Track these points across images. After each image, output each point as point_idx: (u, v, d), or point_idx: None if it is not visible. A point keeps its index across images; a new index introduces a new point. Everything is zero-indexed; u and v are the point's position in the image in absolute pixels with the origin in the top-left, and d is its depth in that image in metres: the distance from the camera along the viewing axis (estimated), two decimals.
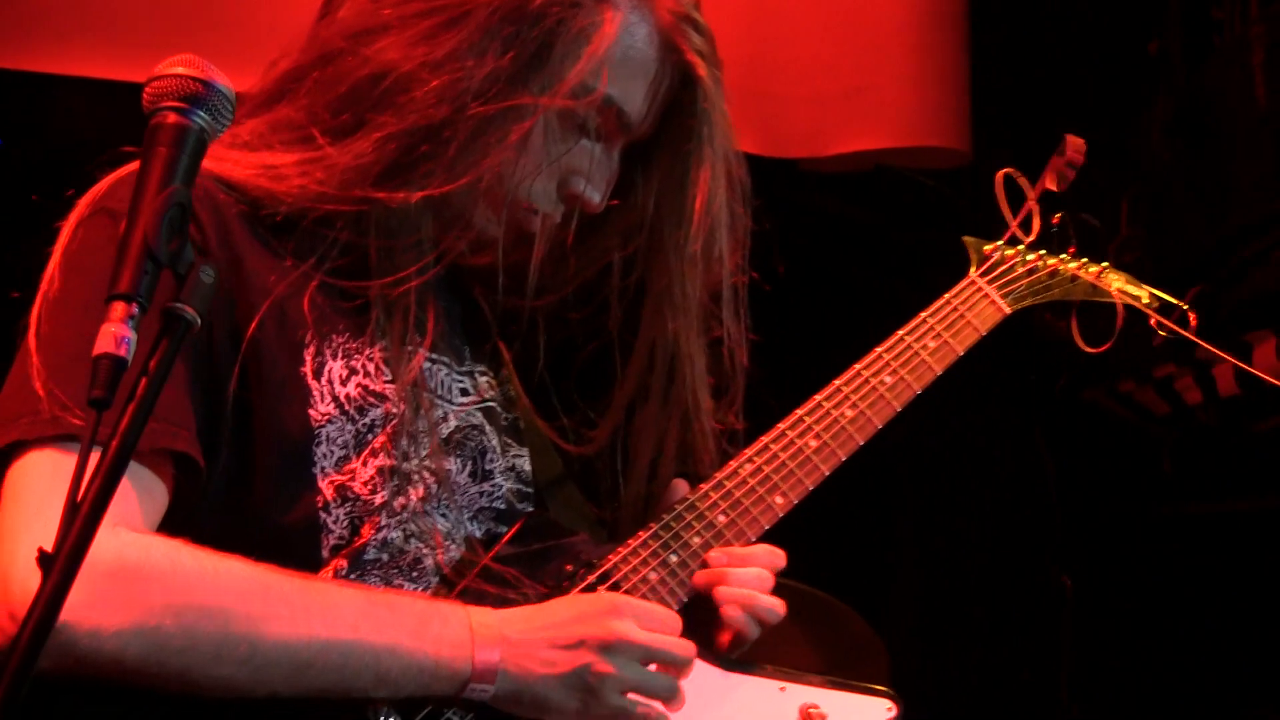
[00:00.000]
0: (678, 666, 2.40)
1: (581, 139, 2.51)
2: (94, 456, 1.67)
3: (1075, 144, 3.01)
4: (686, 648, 2.41)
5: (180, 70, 1.84)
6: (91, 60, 4.59)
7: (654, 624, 2.38)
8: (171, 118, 1.83)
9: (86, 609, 2.03)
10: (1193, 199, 5.15)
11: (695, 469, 2.68)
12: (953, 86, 5.46)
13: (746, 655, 2.59)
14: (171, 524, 2.24)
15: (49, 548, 1.95)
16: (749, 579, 2.54)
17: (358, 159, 2.38)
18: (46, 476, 2.14)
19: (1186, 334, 3.00)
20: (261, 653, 2.14)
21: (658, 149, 2.62)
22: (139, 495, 2.19)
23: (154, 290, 1.72)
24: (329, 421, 2.36)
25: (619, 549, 2.54)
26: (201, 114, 1.84)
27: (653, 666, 2.37)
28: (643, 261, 2.65)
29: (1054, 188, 3.01)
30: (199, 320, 1.73)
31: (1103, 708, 5.55)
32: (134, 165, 2.39)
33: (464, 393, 2.59)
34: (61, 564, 1.62)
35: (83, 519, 1.63)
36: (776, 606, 2.55)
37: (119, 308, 1.69)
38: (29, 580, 1.98)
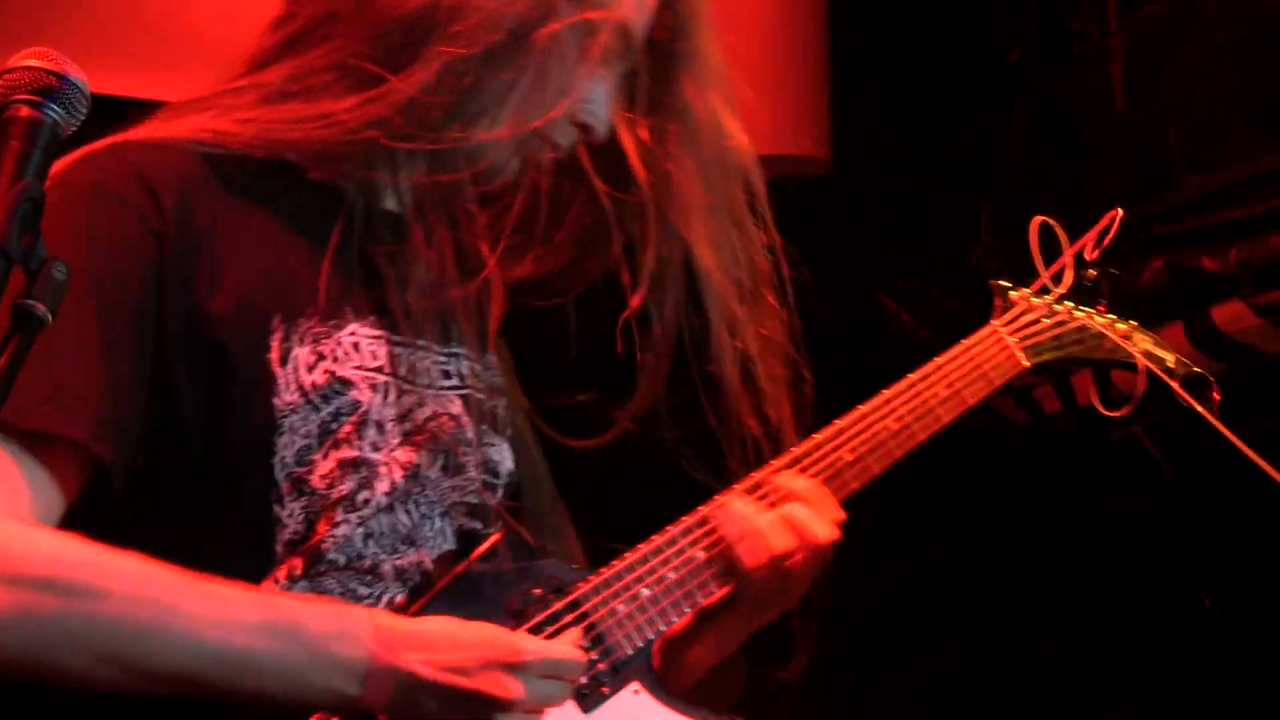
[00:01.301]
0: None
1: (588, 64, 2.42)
2: None
3: (1114, 215, 2.91)
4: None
5: (33, 63, 1.80)
6: None
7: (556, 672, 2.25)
8: (24, 111, 1.78)
9: None
10: (1052, 206, 5.22)
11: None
12: (812, 94, 5.48)
13: (696, 696, 2.48)
14: (99, 512, 2.15)
15: None
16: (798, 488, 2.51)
17: (423, 92, 2.28)
18: None
19: (1207, 413, 2.84)
20: (144, 657, 2.05)
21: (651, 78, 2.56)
22: (30, 483, 2.10)
23: (4, 286, 1.68)
24: (292, 411, 2.24)
25: (590, 577, 2.43)
26: (55, 107, 1.79)
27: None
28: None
29: (1090, 253, 2.91)
30: (50, 317, 1.69)
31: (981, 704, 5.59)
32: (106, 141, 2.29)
33: (445, 376, 2.44)
34: None
35: None
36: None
37: None
38: None
